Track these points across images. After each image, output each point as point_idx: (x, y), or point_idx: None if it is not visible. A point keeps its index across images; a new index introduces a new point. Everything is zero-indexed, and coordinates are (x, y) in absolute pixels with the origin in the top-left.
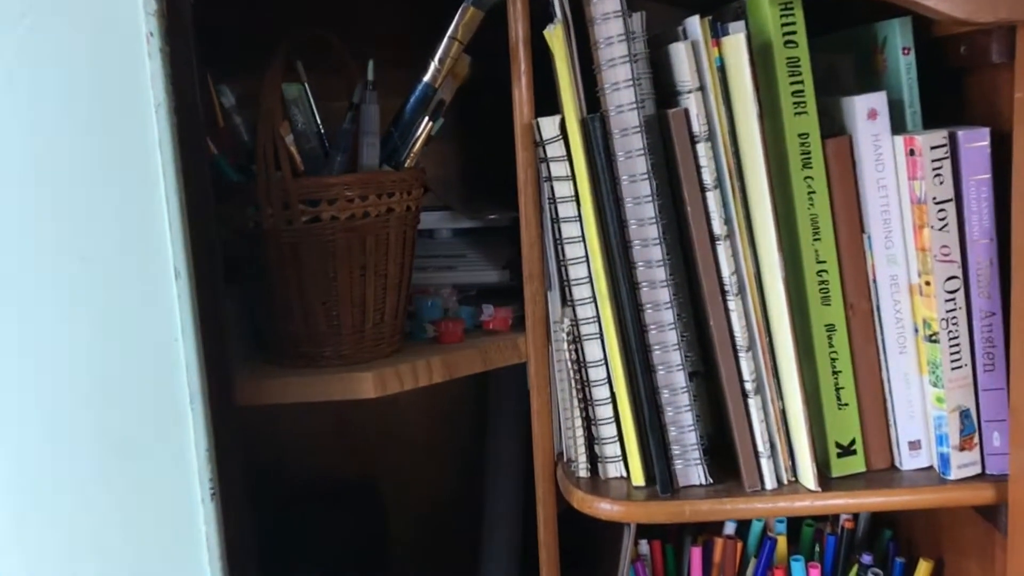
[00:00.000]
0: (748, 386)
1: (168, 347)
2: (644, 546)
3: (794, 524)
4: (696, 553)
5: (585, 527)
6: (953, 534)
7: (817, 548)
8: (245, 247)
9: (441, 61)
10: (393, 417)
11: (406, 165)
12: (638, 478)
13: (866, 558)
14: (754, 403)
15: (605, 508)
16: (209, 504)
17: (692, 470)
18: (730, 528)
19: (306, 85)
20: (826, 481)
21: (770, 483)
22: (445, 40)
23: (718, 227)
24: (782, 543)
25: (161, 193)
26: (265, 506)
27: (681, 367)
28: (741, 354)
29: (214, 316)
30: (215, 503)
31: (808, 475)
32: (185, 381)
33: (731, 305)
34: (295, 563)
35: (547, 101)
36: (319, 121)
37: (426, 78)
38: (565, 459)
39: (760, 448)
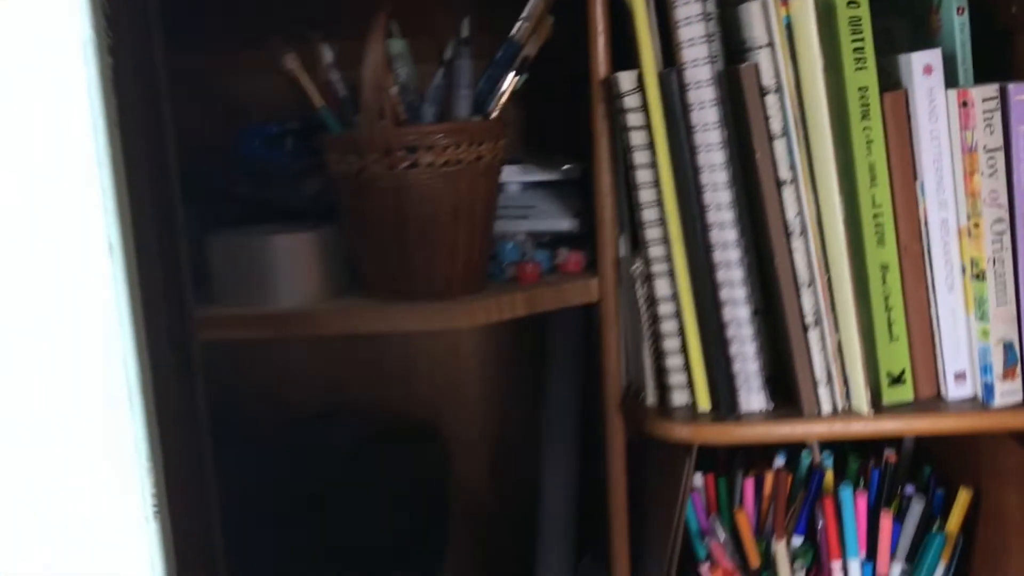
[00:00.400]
0: (808, 319)
1: (99, 337)
2: (698, 479)
3: (840, 459)
4: (748, 484)
5: (642, 462)
6: (992, 464)
7: (862, 481)
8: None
9: (527, 19)
10: (454, 364)
11: (492, 116)
12: (704, 403)
13: (909, 489)
14: (813, 335)
15: (675, 431)
16: (153, 523)
17: (754, 396)
18: (779, 462)
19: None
20: (878, 408)
21: (827, 408)
22: (532, 1)
23: (784, 172)
24: (829, 475)
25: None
26: (334, 449)
27: (747, 302)
28: (803, 290)
29: (162, 298)
30: (159, 522)
31: (861, 401)
32: (123, 376)
33: (794, 245)
34: (363, 508)
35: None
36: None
37: (513, 34)
38: (632, 391)
39: (818, 376)
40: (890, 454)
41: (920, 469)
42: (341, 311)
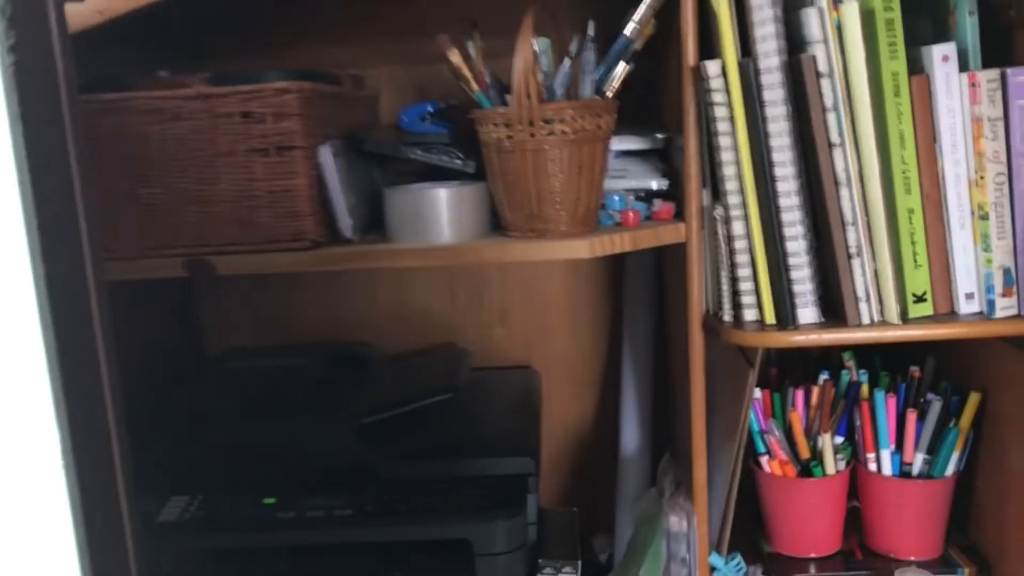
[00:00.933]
0: (852, 250)
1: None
2: (756, 392)
3: (872, 377)
4: (799, 395)
5: (709, 379)
6: (996, 372)
7: (891, 392)
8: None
9: (639, 23)
10: (544, 310)
11: (608, 96)
12: (770, 318)
13: (930, 396)
14: (856, 263)
15: (748, 339)
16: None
17: (809, 311)
18: (824, 378)
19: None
20: (905, 319)
21: (866, 320)
22: (644, 7)
23: (834, 137)
24: (865, 388)
25: None
26: (442, 388)
27: (804, 238)
28: (847, 228)
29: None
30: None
31: (892, 314)
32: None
33: (842, 193)
34: (474, 418)
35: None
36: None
37: (627, 32)
38: (711, 313)
39: (859, 294)
40: (914, 370)
41: (939, 383)
42: (490, 245)
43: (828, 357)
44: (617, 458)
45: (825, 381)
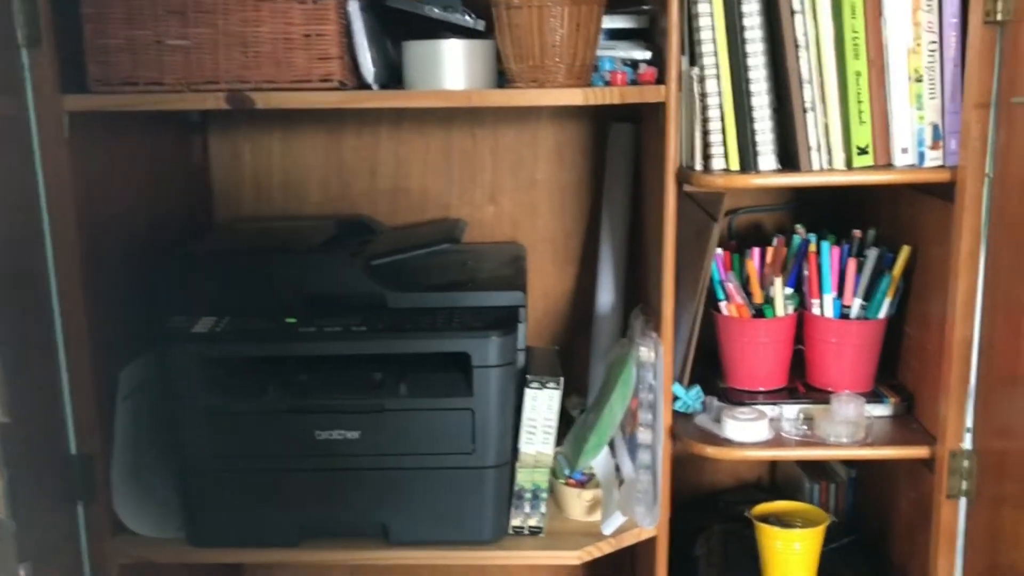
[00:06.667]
0: (807, 105)
1: None
2: (718, 251)
3: (819, 242)
4: (755, 251)
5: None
6: (926, 227)
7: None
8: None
9: None
10: (532, 191)
11: None
12: (734, 165)
13: (867, 252)
14: (810, 117)
15: (715, 181)
16: None
17: (768, 158)
18: (775, 241)
19: None
20: (850, 167)
21: (816, 166)
22: None
23: (796, 6)
24: (812, 246)
25: None
26: (444, 239)
27: (767, 94)
28: (804, 85)
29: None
30: None
31: (840, 163)
32: None
33: (800, 54)
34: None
35: None
36: None
37: None
38: (684, 167)
39: (812, 144)
40: (856, 232)
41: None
42: (497, 92)
43: (781, 231)
44: (592, 325)
45: (779, 240)
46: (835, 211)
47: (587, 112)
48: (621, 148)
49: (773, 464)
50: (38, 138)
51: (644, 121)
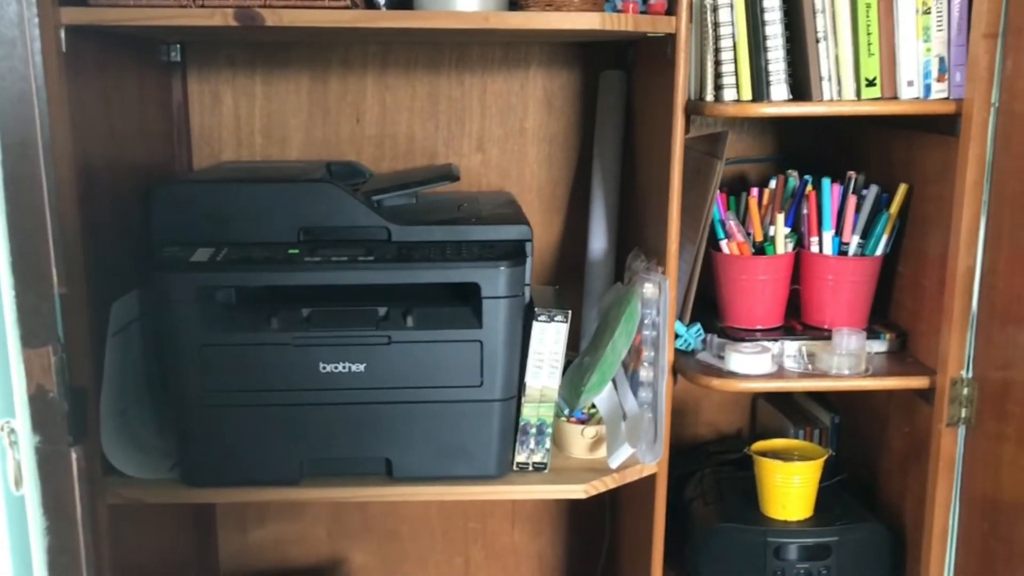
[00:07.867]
0: (819, 35)
1: None
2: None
3: (816, 183)
4: (754, 191)
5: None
6: (925, 164)
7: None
8: None
9: None
10: (521, 139)
11: None
12: (746, 95)
13: (866, 191)
14: (822, 47)
15: (728, 110)
16: None
17: (780, 88)
18: (773, 184)
19: None
20: (859, 98)
21: (827, 96)
22: None
23: None
24: (810, 186)
25: None
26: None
27: (781, 22)
28: (817, 15)
29: None
30: None
31: (849, 93)
32: None
33: None
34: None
35: None
36: None
37: None
38: (693, 99)
39: (823, 75)
40: (852, 173)
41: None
42: (515, 14)
43: (765, 185)
44: (583, 278)
45: (778, 178)
46: (818, 162)
47: (576, 60)
48: (613, 95)
49: (753, 416)
50: (41, 52)
51: (639, 65)
